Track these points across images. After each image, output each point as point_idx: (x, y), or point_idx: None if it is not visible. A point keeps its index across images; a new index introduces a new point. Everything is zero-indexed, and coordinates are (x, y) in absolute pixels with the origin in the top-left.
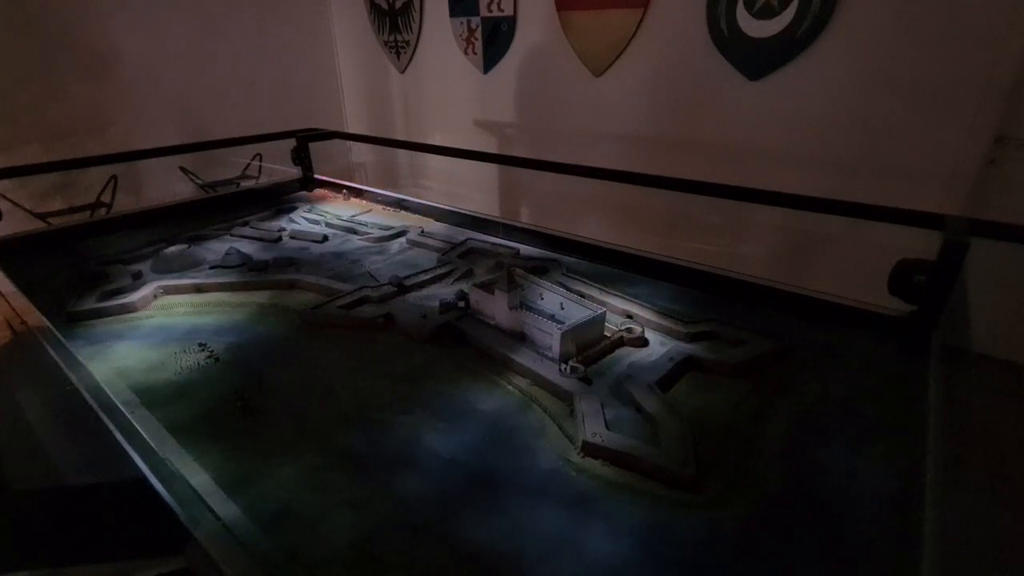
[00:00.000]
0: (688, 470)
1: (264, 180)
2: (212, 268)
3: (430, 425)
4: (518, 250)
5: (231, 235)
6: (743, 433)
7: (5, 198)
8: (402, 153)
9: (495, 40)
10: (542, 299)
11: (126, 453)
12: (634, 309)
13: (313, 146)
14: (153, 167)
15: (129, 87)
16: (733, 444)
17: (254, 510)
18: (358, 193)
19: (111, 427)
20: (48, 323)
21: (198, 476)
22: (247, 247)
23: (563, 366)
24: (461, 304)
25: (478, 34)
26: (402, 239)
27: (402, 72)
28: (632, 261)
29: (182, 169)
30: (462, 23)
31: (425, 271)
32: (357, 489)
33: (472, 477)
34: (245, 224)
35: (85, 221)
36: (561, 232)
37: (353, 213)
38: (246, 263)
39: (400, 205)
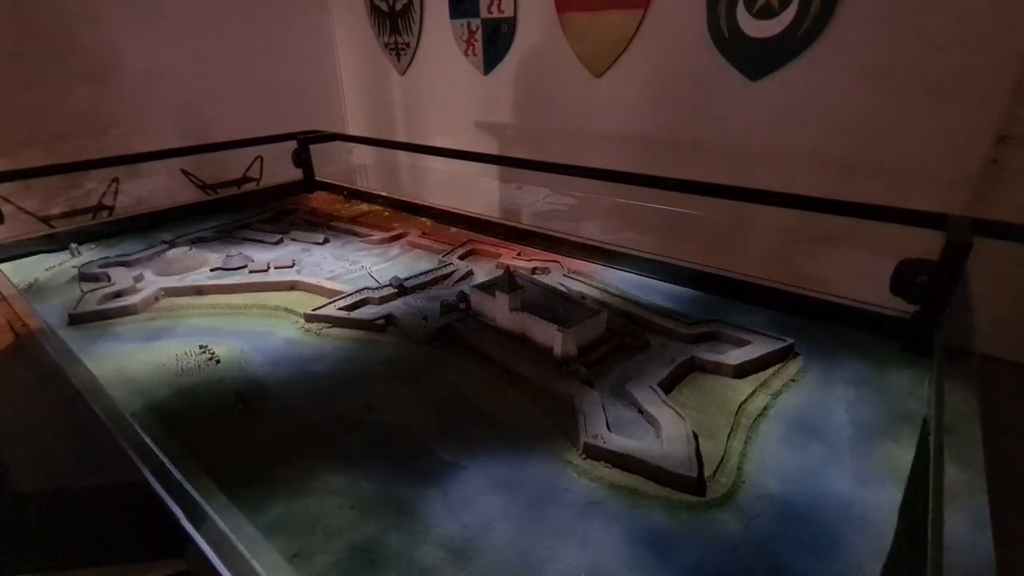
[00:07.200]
0: (690, 472)
1: (265, 182)
2: (213, 270)
3: (430, 427)
4: (519, 251)
5: (232, 237)
6: (745, 435)
7: (7, 201)
8: (403, 155)
9: (495, 41)
10: (543, 301)
11: (127, 456)
12: (636, 310)
13: (314, 148)
14: (155, 170)
15: (131, 90)
16: (735, 446)
17: (254, 512)
18: (359, 195)
19: (112, 430)
20: (50, 325)
21: (199, 478)
22: (248, 249)
23: (564, 368)
24: (462, 306)
25: (478, 36)
26: (403, 240)
27: (402, 74)
28: (633, 262)
29: (184, 172)
30: (462, 25)
31: (426, 272)
32: (357, 491)
33: (472, 479)
34: (246, 226)
35: (87, 224)
36: (562, 233)
37: (354, 215)
38: (247, 265)
39: (401, 207)
